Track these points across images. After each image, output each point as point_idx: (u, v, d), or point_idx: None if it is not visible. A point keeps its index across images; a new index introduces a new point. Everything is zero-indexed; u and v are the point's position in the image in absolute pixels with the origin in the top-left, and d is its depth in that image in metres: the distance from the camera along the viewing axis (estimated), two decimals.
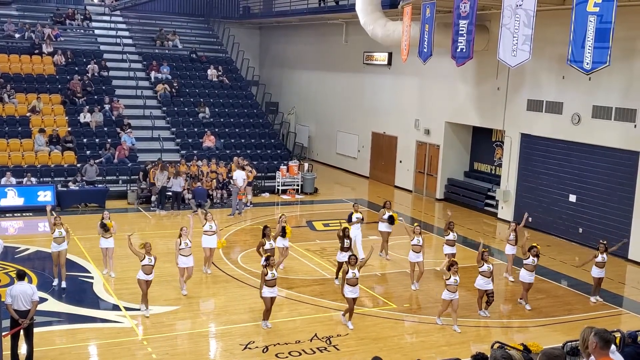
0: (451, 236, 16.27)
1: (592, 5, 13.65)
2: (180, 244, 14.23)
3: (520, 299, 14.81)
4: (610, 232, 19.47)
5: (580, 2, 13.83)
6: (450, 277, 13.05)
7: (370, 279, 16.42)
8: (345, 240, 15.08)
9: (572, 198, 20.80)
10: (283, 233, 15.98)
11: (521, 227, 16.81)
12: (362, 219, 17.67)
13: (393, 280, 16.43)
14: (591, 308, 14.81)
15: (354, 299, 13.08)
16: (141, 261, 13.20)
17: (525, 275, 14.50)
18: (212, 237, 15.86)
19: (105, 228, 15.55)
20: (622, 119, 18.88)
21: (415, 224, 16.09)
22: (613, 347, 6.34)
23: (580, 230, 20.48)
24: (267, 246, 14.62)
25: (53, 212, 14.95)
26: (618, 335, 10.10)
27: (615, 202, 19.37)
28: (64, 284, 14.73)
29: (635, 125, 18.56)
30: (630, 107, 18.67)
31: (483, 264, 13.78)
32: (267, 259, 12.80)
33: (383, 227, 17.84)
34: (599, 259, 14.86)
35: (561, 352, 5.33)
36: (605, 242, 15.34)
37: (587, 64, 13.95)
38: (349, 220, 17.33)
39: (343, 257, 14.66)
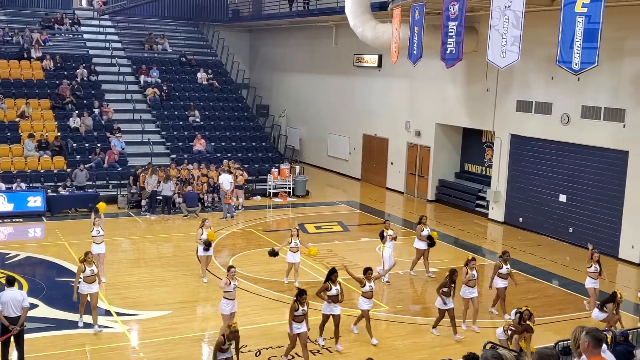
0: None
1: (580, 6, 13.72)
2: (230, 284, 12.31)
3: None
4: (601, 232, 19.57)
5: (569, 3, 13.89)
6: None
7: None
8: (452, 286, 12.91)
9: (563, 198, 20.88)
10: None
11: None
12: (395, 237, 16.30)
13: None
14: (582, 307, 14.85)
15: (368, 310, 12.74)
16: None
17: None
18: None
19: (97, 211, 15.53)
20: (611, 119, 18.98)
21: (471, 256, 14.01)
22: (604, 346, 6.36)
23: (571, 229, 20.55)
24: (332, 292, 12.26)
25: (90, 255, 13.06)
26: (609, 334, 10.15)
27: (605, 202, 19.46)
28: (97, 328, 12.77)
29: (624, 125, 18.65)
30: (619, 107, 18.77)
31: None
32: (299, 293, 11.38)
33: (421, 244, 16.59)
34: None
35: (554, 351, 5.34)
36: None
37: (576, 64, 14.02)
38: (381, 237, 16.11)
39: (447, 304, 12.91)
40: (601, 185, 19.59)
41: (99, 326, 12.80)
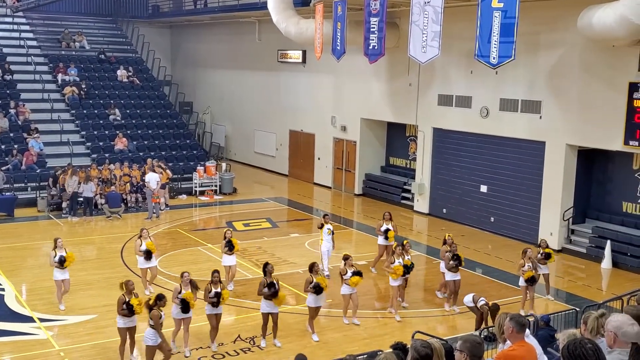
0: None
1: (496, 1, 14.16)
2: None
3: None
4: (521, 220, 20.26)
5: None
6: None
7: (292, 276, 16.44)
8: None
9: (484, 188, 21.50)
10: (230, 248, 14.97)
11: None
12: (333, 232, 16.33)
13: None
14: (504, 294, 15.33)
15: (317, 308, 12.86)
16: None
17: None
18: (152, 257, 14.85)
19: (62, 264, 13.66)
20: (528, 111, 19.65)
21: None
22: (527, 330, 6.61)
23: (492, 219, 21.19)
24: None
25: None
26: (531, 319, 10.54)
27: (524, 191, 20.14)
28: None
29: (540, 117, 19.35)
30: (535, 99, 19.46)
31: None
32: (213, 274, 11.94)
33: (380, 240, 16.74)
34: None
35: (479, 338, 5.49)
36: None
37: (494, 58, 14.45)
38: (320, 227, 16.30)
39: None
40: (520, 176, 20.27)
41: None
